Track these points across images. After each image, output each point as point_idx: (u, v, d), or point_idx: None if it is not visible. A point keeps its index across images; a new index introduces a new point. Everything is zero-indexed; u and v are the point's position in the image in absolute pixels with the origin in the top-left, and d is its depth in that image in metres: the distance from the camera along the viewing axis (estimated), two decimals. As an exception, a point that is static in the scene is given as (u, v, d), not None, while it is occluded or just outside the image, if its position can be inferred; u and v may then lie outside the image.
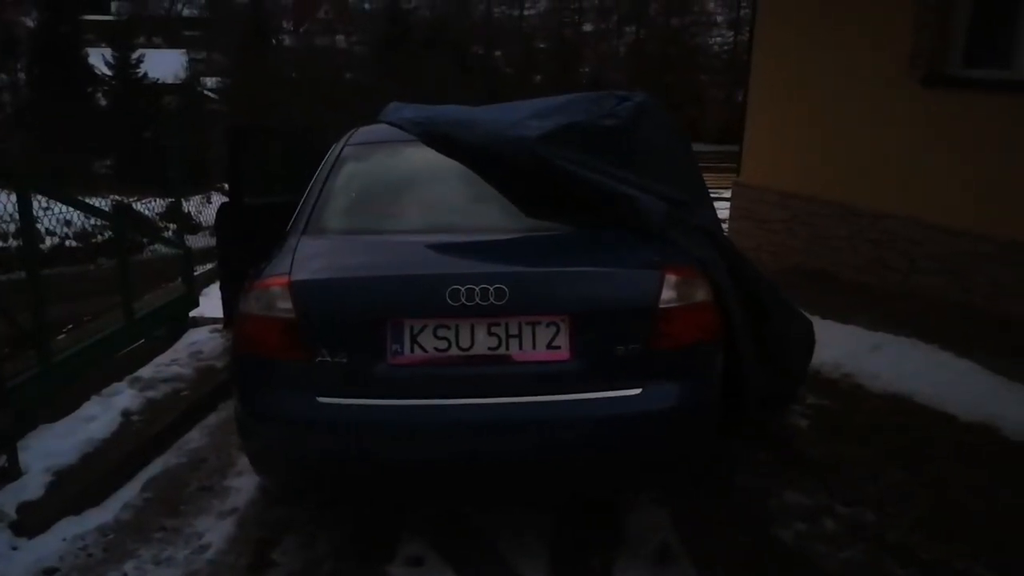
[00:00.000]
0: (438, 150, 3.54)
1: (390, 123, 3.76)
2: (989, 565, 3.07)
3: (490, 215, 3.44)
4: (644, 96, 3.82)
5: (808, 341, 3.99)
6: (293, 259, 3.06)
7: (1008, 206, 5.61)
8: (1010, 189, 5.59)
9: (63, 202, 4.78)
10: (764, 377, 3.49)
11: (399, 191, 3.75)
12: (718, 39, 51.34)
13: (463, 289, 2.81)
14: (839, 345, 5.23)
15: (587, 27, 54.57)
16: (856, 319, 5.69)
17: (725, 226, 9.61)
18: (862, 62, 6.69)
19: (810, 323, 4.01)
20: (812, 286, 6.74)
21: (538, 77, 48.81)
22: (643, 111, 3.73)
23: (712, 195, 3.98)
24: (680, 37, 48.98)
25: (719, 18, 52.16)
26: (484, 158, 3.44)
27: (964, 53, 6.06)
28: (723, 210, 9.97)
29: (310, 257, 3.11)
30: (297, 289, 2.89)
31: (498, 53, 50.95)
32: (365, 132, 4.20)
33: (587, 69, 51.07)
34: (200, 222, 14.56)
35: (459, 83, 39.55)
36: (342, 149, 3.95)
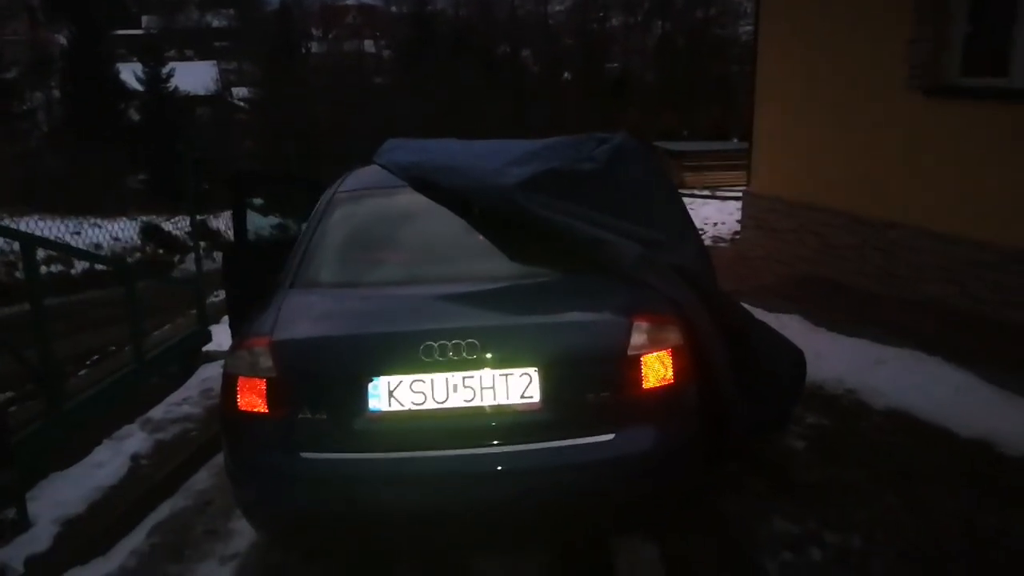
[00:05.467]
0: (425, 195, 3.63)
1: (382, 166, 3.85)
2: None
3: (473, 263, 3.52)
4: (623, 137, 3.87)
5: (799, 371, 4.01)
6: (277, 317, 3.17)
7: (1010, 213, 5.58)
8: (1011, 196, 5.56)
9: (66, 251, 4.91)
10: (749, 410, 3.54)
11: (384, 241, 3.83)
12: (748, 28, 50.77)
13: (436, 345, 2.91)
14: (844, 359, 5.23)
15: (614, 22, 54.27)
16: (862, 331, 5.66)
17: (738, 231, 9.57)
18: (863, 71, 6.65)
19: (800, 352, 4.03)
20: (821, 295, 6.72)
21: (566, 74, 48.71)
22: (622, 153, 3.79)
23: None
24: (708, 29, 48.54)
25: (747, 8, 51.64)
26: (467, 204, 3.53)
27: (962, 62, 6.01)
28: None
29: (293, 314, 3.21)
30: (278, 349, 2.99)
31: (525, 52, 50.85)
32: (357, 177, 4.29)
33: (615, 64, 50.81)
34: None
35: (486, 84, 39.63)
36: (332, 196, 4.04)
